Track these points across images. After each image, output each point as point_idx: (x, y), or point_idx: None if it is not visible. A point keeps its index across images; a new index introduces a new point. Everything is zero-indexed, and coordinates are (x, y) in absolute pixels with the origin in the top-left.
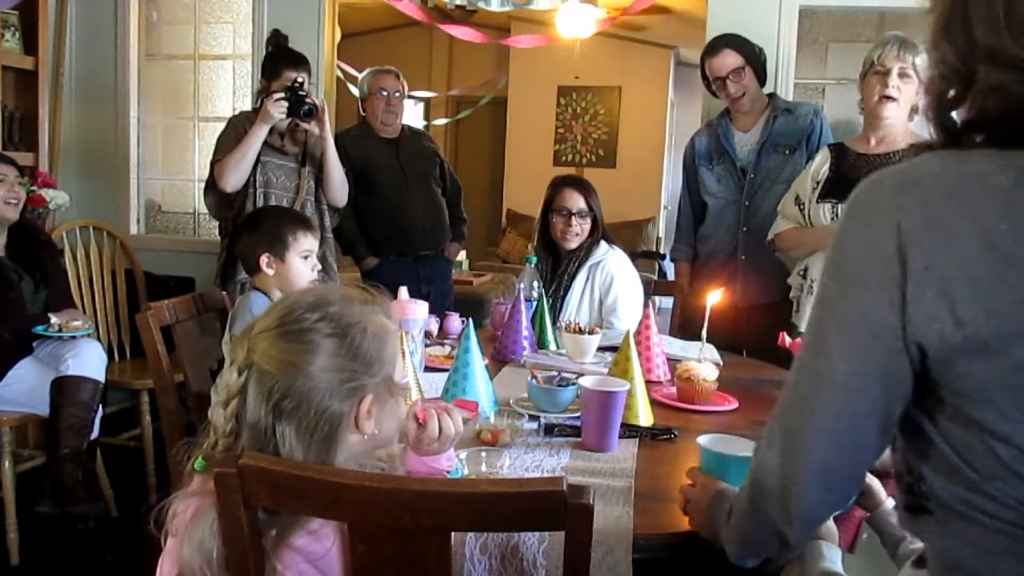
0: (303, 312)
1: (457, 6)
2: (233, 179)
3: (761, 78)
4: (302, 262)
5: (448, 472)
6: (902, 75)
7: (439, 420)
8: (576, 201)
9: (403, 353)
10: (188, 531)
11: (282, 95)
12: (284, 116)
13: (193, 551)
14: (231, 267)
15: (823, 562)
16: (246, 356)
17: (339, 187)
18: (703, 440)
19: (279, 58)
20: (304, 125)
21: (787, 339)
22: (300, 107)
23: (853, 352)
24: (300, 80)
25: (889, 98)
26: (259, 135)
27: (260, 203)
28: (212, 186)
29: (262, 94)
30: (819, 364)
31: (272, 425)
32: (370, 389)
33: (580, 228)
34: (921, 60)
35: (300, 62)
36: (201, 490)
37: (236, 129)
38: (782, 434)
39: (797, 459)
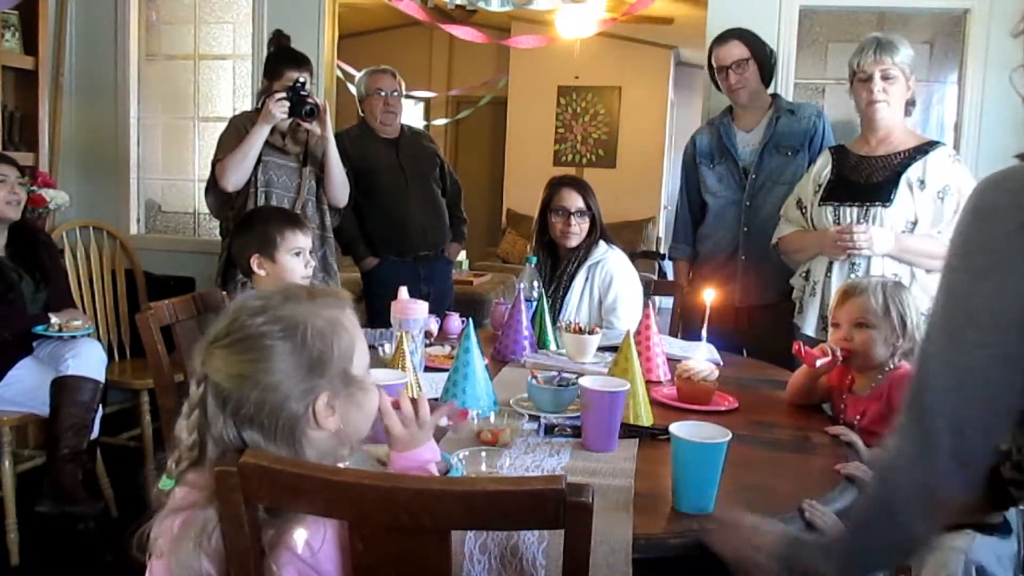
0: (248, 318)
1: (457, 6)
2: (234, 179)
3: (766, 77)
4: (294, 260)
5: (437, 464)
6: (885, 77)
7: (401, 404)
8: (575, 200)
9: (402, 353)
10: (174, 548)
11: (283, 95)
12: (286, 116)
13: (181, 569)
14: (232, 267)
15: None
16: (201, 368)
17: (340, 187)
18: (675, 428)
19: (281, 58)
20: (305, 125)
21: (802, 348)
22: (302, 107)
23: (984, 340)
24: (302, 80)
25: (877, 102)
26: (260, 135)
27: (261, 203)
28: (213, 186)
29: (264, 94)
30: (950, 354)
31: (237, 434)
32: (323, 387)
33: (579, 227)
34: (902, 57)
35: (302, 62)
36: (183, 504)
37: (238, 129)
38: (917, 426)
39: (936, 447)
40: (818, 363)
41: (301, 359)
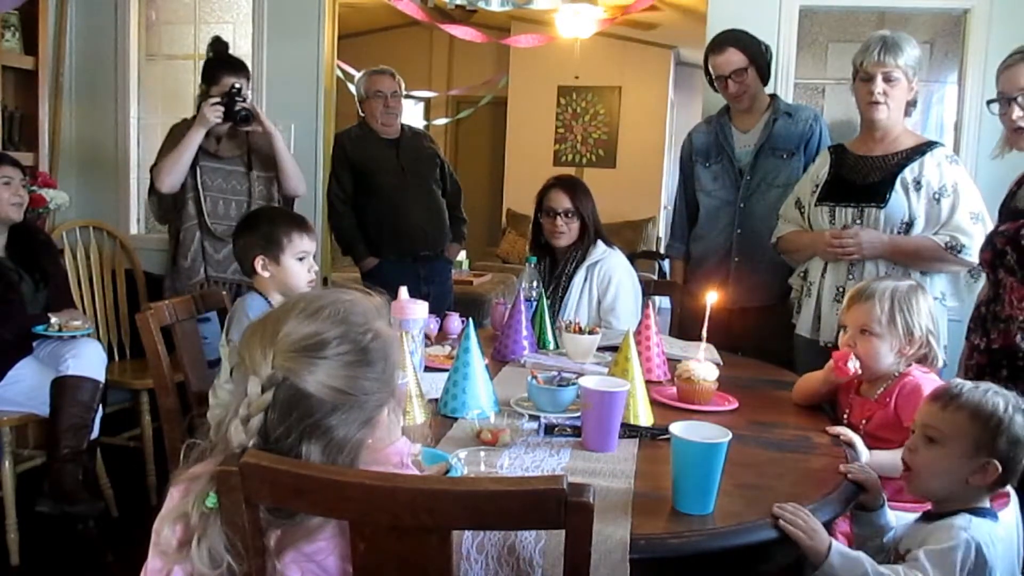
0: (337, 343)
1: (457, 6)
2: (168, 180)
3: (764, 77)
4: (297, 264)
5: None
6: (887, 79)
7: None
8: (561, 201)
9: (403, 353)
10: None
11: (218, 100)
12: (220, 120)
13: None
14: (176, 269)
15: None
16: (272, 374)
17: (294, 177)
18: (675, 428)
19: (218, 64)
20: (242, 128)
21: (848, 361)
22: (236, 112)
23: None
24: (238, 86)
25: (877, 103)
26: (195, 139)
27: (204, 207)
28: (151, 189)
29: (202, 99)
30: None
31: (299, 444)
32: (386, 403)
33: (566, 228)
34: (906, 59)
35: (238, 67)
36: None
37: (175, 137)
38: None
39: None
40: (851, 367)
41: (385, 375)
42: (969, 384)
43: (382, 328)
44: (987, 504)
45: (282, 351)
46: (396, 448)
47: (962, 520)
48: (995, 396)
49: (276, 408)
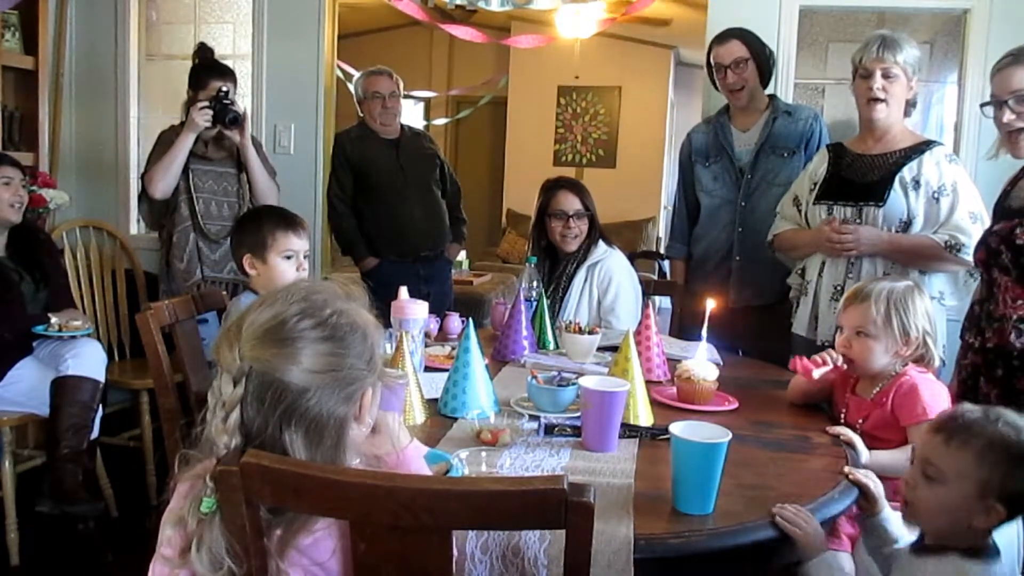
0: (297, 320)
1: (457, 6)
2: (161, 186)
3: (764, 78)
4: (284, 263)
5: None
6: (886, 75)
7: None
8: (572, 203)
9: (402, 353)
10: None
11: (207, 104)
12: (209, 124)
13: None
14: (171, 271)
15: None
16: (240, 366)
17: (265, 192)
18: (675, 428)
19: (205, 69)
20: (228, 133)
21: (799, 362)
22: (225, 115)
23: None
24: (225, 89)
25: (876, 99)
26: (185, 143)
27: (197, 208)
28: (143, 195)
29: (189, 105)
30: None
31: (280, 433)
32: (369, 383)
33: (579, 229)
34: (905, 57)
35: (225, 72)
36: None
37: (164, 143)
38: None
39: None
40: (816, 374)
41: (354, 358)
42: (977, 413)
43: (346, 307)
44: (989, 541)
45: (247, 341)
46: (412, 447)
47: (952, 566)
48: (1006, 427)
49: (250, 400)
